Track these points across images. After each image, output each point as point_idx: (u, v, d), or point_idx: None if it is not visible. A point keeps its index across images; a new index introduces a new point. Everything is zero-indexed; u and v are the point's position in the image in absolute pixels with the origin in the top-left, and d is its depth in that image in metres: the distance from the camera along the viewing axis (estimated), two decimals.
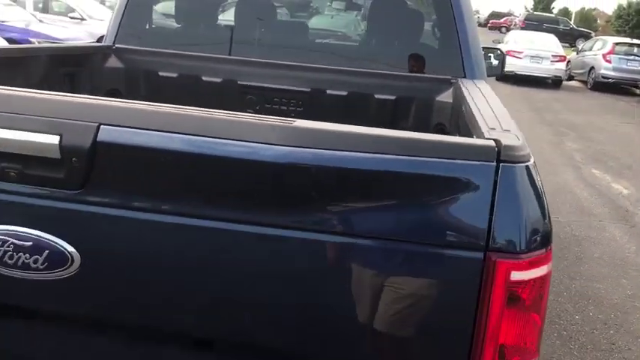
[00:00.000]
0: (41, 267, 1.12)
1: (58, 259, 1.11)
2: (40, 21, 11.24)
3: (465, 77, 2.60)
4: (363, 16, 3.01)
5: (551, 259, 1.13)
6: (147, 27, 3.02)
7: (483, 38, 4.10)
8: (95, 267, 1.13)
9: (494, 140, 1.07)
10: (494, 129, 1.24)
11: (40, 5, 13.13)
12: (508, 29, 32.56)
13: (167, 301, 1.14)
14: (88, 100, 1.15)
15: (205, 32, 3.03)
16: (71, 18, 12.67)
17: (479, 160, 1.04)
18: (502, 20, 42.11)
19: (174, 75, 2.80)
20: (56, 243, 1.11)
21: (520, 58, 15.37)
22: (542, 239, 1.09)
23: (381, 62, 2.74)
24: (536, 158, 1.12)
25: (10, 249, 1.12)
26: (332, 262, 1.10)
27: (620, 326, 3.30)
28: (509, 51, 13.96)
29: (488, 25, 40.58)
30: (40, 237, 1.11)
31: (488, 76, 4.43)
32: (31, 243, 1.11)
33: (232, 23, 3.04)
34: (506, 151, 1.04)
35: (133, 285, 1.14)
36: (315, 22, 3.19)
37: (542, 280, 1.11)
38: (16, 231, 1.12)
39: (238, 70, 2.83)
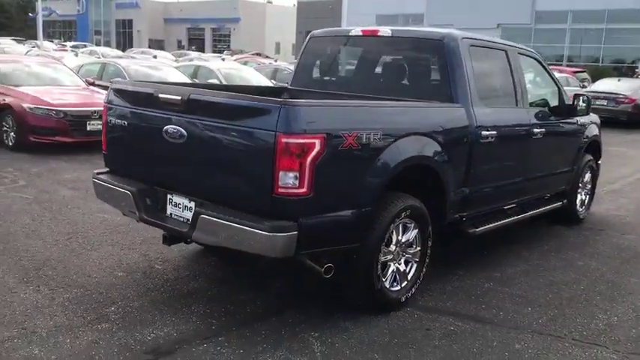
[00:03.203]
0: (178, 137, 3.79)
1: (180, 135, 3.77)
2: None
3: (452, 102, 4.60)
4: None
5: (310, 138, 3.33)
6: (306, 77, 5.68)
7: None
8: (189, 139, 3.74)
9: (285, 99, 3.37)
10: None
11: None
12: None
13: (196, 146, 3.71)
14: (189, 87, 3.83)
15: (329, 83, 5.54)
16: None
17: (275, 104, 3.36)
18: None
19: None
20: (180, 130, 3.77)
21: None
22: (300, 131, 3.31)
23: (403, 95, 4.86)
24: None
25: (173, 131, 3.82)
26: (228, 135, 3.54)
27: None
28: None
29: None
30: (176, 128, 3.78)
31: (579, 116, 5.98)
32: (175, 130, 3.80)
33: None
34: (284, 103, 3.34)
35: (188, 141, 3.72)
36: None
37: (303, 145, 3.32)
38: (171, 125, 3.82)
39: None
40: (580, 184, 6.81)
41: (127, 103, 4.19)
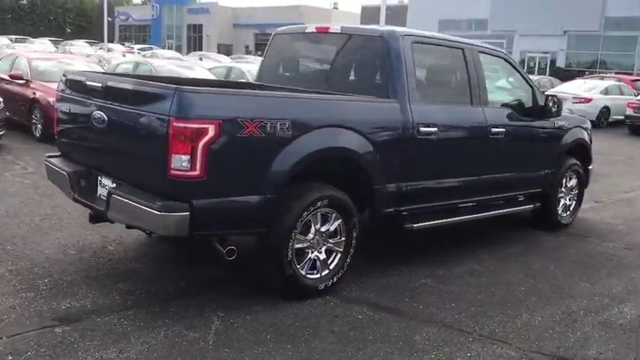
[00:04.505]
0: (100, 123, 4.06)
1: (102, 120, 4.03)
2: None
3: (389, 98, 4.68)
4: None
5: (203, 123, 3.52)
6: (271, 73, 5.86)
7: None
8: (108, 124, 4.00)
9: (180, 86, 3.57)
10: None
11: None
12: None
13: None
14: (110, 75, 4.10)
15: (290, 78, 5.70)
16: None
17: (172, 90, 3.56)
18: None
19: None
20: (103, 115, 4.04)
21: None
22: (193, 116, 3.50)
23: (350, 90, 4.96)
24: None
25: (98, 117, 4.09)
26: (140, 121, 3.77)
27: None
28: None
29: None
30: (99, 113, 4.05)
31: (552, 117, 5.90)
32: (99, 115, 4.07)
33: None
34: (178, 89, 3.54)
35: (108, 125, 3.99)
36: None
37: (196, 129, 3.51)
38: (96, 112, 4.09)
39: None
40: (563, 189, 6.65)
41: (71, 91, 4.51)
